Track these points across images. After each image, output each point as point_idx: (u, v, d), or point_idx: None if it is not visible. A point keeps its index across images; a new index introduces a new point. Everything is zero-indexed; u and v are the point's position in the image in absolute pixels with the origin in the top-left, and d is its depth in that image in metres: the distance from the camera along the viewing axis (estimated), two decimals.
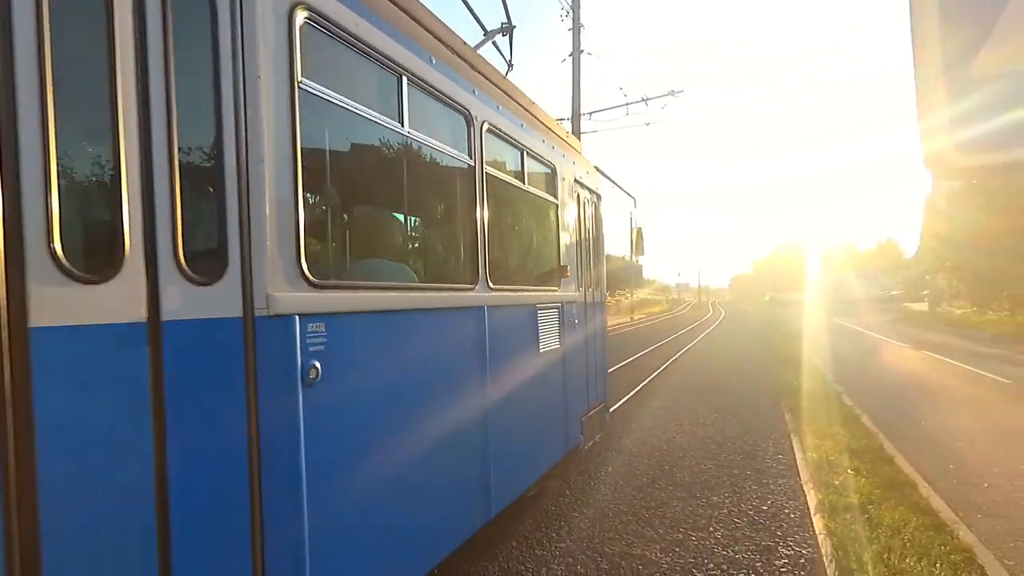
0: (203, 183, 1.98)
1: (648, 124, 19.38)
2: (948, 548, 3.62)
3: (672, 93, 18.25)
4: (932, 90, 1.07)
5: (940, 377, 11.95)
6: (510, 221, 4.30)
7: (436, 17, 3.26)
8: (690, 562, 3.83)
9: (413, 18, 2.95)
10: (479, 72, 3.68)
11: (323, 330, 2.16)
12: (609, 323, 9.33)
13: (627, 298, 51.12)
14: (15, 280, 1.51)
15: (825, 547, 3.77)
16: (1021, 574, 3.57)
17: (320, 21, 2.23)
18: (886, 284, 64.90)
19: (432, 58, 3.04)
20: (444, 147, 3.21)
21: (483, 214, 3.52)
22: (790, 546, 4.01)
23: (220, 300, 1.90)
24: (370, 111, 2.56)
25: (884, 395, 9.83)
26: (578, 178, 5.64)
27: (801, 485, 5.14)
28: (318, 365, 2.11)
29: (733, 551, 3.97)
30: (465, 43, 3.66)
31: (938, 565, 3.36)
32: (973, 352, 15.82)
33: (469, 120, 3.41)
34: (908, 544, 3.63)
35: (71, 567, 1.63)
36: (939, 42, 1.08)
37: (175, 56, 1.84)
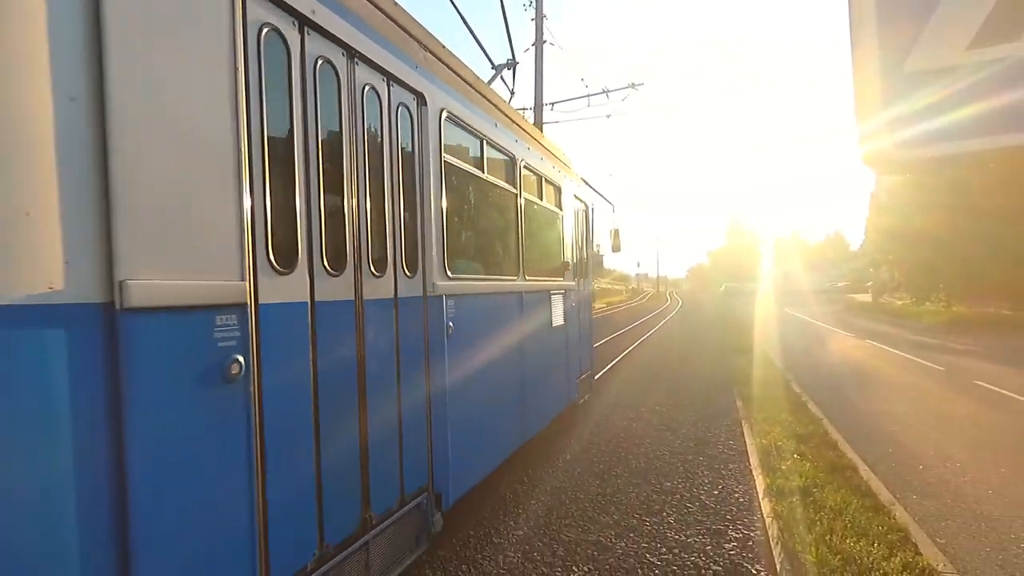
0: (409, 223, 3.27)
1: (609, 116, 19.53)
2: (885, 528, 3.80)
3: (632, 86, 18.40)
4: (869, 88, 1.08)
5: (880, 365, 12.59)
6: (534, 229, 5.61)
7: (498, 95, 4.81)
8: (644, 547, 3.89)
9: (490, 101, 4.53)
10: (519, 126, 5.19)
11: (453, 304, 3.67)
12: None
13: None
14: (250, 275, 2.12)
15: (772, 529, 3.89)
16: (951, 551, 3.79)
17: (451, 117, 3.77)
18: (833, 275, 67.96)
19: (496, 123, 4.57)
20: (500, 182, 4.67)
21: (521, 226, 5.08)
22: (739, 529, 4.13)
23: (415, 286, 3.31)
24: (466, 165, 4.05)
25: (829, 382, 10.28)
26: (574, 192, 7.13)
27: (751, 470, 5.30)
28: (452, 324, 3.66)
29: (685, 535, 4.05)
30: (509, 105, 5.21)
31: (876, 544, 3.51)
32: (911, 341, 16.75)
33: (514, 161, 4.96)
34: (849, 525, 3.79)
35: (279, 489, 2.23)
36: (876, 41, 1.09)
37: (390, 141, 3.11)
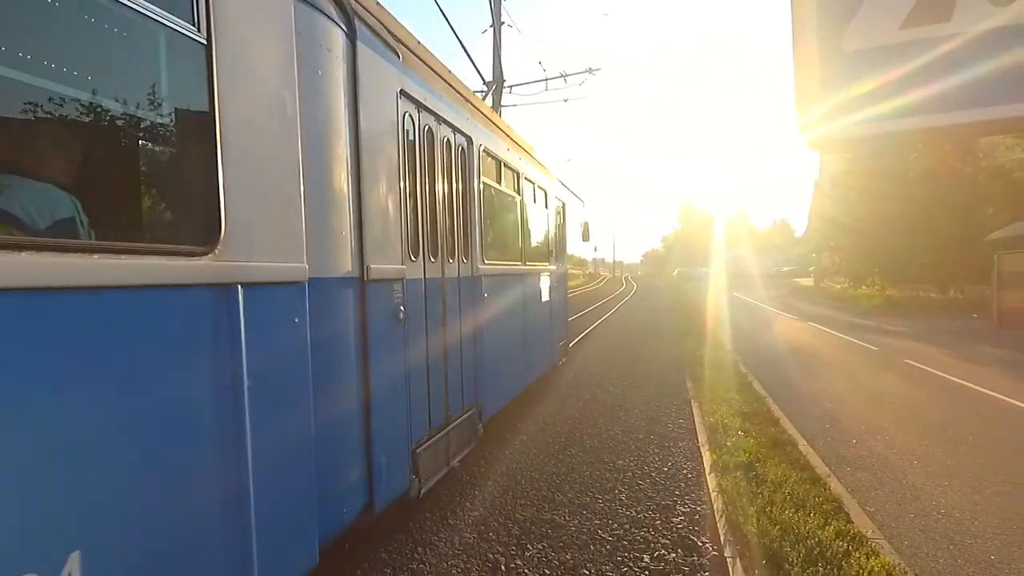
0: (464, 227, 4.69)
1: (567, 100, 19.45)
2: (821, 499, 4.02)
3: (590, 71, 18.43)
4: (810, 68, 1.09)
5: (820, 345, 13.28)
6: (530, 225, 7.03)
7: (514, 132, 6.68)
8: (596, 524, 3.99)
9: (508, 136, 6.31)
10: (523, 150, 6.89)
11: (486, 281, 5.10)
12: None
13: None
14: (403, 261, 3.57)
15: (717, 503, 4.06)
16: (879, 518, 4.06)
17: (486, 149, 5.21)
18: (780, 260, 70.91)
19: (507, 147, 6.04)
20: (511, 191, 6.23)
21: (524, 224, 6.71)
22: (687, 504, 4.29)
23: (467, 269, 4.73)
24: (492, 182, 5.50)
25: (773, 362, 10.77)
26: (556, 194, 8.76)
27: (699, 447, 5.50)
28: (486, 294, 5.08)
29: (636, 511, 4.18)
30: (520, 137, 6.98)
31: (812, 515, 3.72)
32: (849, 323, 17.72)
33: (519, 177, 6.49)
34: (788, 497, 4.00)
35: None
36: (815, 21, 1.10)
37: (457, 171, 4.56)
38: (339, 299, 2.85)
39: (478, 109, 5.39)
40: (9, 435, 1.38)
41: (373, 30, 3.23)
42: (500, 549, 3.63)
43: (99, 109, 1.87)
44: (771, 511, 3.74)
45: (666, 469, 5.04)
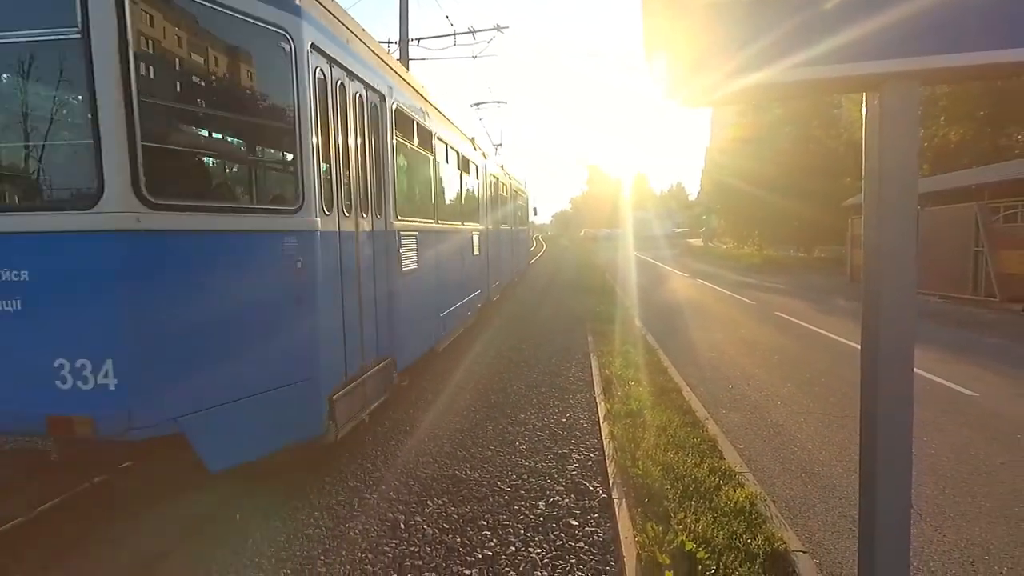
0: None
1: (475, 57, 18.87)
2: (699, 440, 4.42)
3: (498, 28, 17.97)
4: (660, 20, 1.07)
5: (706, 300, 14.45)
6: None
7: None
8: (496, 475, 4.10)
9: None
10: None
11: (489, 234, 10.39)
12: None
13: None
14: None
15: (608, 449, 4.32)
16: (747, 454, 4.54)
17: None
18: (677, 222, 75.54)
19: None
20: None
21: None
22: (581, 452, 4.53)
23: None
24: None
25: (665, 316, 11.57)
26: (520, 187, 15.40)
27: (595, 398, 5.81)
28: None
29: (534, 461, 4.35)
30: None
31: (690, 454, 4.08)
32: (731, 280, 19.40)
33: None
34: (671, 440, 4.35)
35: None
36: None
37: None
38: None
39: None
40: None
41: None
42: (401, 507, 3.63)
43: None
44: (655, 453, 4.05)
45: (564, 420, 5.28)
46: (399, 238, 5.08)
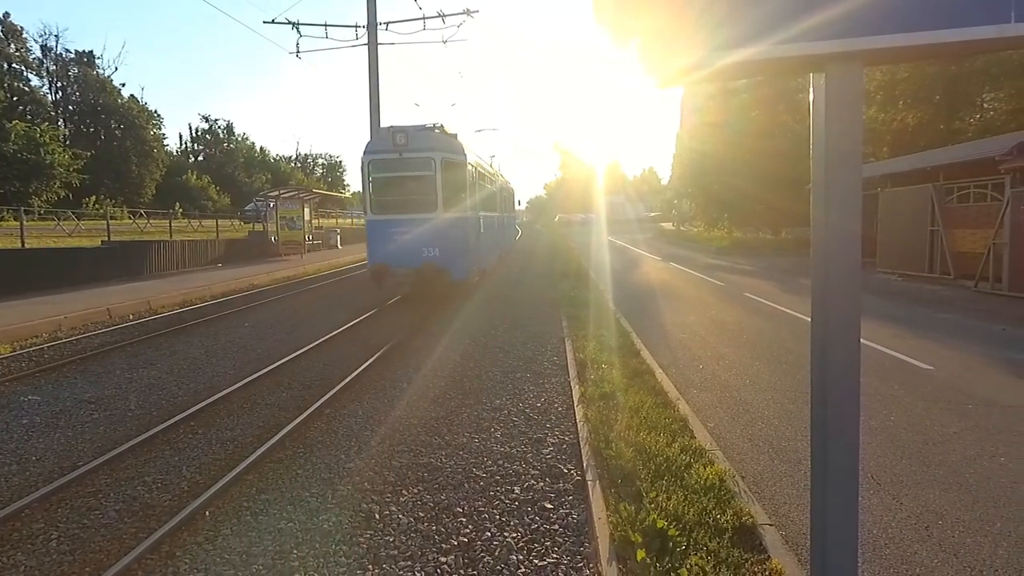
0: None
1: (445, 42, 18.61)
2: (670, 420, 4.52)
3: (468, 12, 17.73)
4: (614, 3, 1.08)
5: (677, 283, 14.68)
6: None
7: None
8: (472, 462, 4.12)
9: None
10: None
11: (482, 219, 13.54)
12: None
13: None
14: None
15: (583, 432, 4.38)
16: (717, 432, 4.66)
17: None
18: (650, 206, 76.19)
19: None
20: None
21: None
22: (556, 435, 4.58)
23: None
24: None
25: (638, 299, 11.72)
26: (508, 184, 23.09)
27: (569, 382, 5.86)
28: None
29: (510, 446, 4.38)
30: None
31: (662, 435, 4.17)
32: (701, 263, 19.74)
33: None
34: (643, 421, 4.43)
35: None
36: None
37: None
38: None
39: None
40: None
41: None
42: (375, 498, 3.62)
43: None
44: (628, 434, 4.12)
45: (539, 404, 5.32)
46: (479, 220, 12.31)
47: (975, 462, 4.05)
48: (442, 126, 10.64)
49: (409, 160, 10.34)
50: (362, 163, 10.58)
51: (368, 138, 11.87)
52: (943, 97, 22.42)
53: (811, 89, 1.06)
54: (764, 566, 2.73)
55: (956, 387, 5.71)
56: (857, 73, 0.96)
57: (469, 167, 11.13)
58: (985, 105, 23.27)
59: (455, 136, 10.81)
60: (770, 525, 3.14)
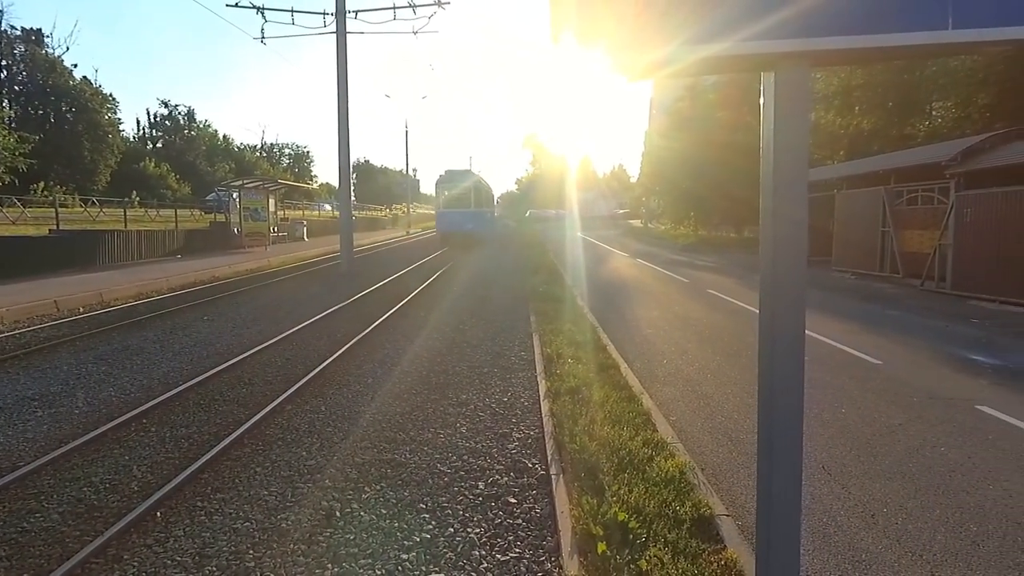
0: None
1: (416, 33, 18.36)
2: (634, 414, 4.58)
3: (438, 3, 17.52)
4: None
5: (644, 279, 14.91)
6: (493, 201, 34.36)
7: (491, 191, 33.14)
8: (436, 457, 4.09)
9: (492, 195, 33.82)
10: (492, 194, 33.43)
11: (493, 213, 34.53)
12: (383, 238, 24.48)
13: (404, 213, 51.18)
14: None
15: (548, 427, 4.41)
16: (679, 425, 4.76)
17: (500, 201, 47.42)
18: (621, 203, 77.02)
19: (497, 196, 44.55)
20: (490, 196, 31.23)
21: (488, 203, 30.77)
22: (522, 430, 4.59)
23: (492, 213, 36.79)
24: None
25: (606, 295, 11.86)
26: (490, 189, 31.46)
27: (536, 377, 5.89)
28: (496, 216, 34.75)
29: (475, 441, 4.37)
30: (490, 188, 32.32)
31: (626, 428, 4.23)
32: (668, 259, 20.10)
33: (489, 191, 31.06)
34: (608, 415, 4.48)
35: None
36: None
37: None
38: None
39: (483, 180, 29.08)
40: None
41: None
42: (336, 495, 3.56)
43: None
44: (592, 428, 4.16)
45: (506, 399, 5.32)
46: (493, 213, 30.75)
47: (918, 452, 4.25)
48: (473, 171, 28.10)
49: (460, 183, 26.27)
50: (437, 182, 27.36)
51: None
52: (896, 104, 23.37)
53: (762, 89, 1.07)
54: (720, 556, 2.81)
55: (902, 380, 5.97)
56: (805, 73, 0.98)
57: (483, 188, 26.61)
58: (934, 112, 24.39)
59: (479, 173, 28.27)
60: (727, 516, 3.22)
